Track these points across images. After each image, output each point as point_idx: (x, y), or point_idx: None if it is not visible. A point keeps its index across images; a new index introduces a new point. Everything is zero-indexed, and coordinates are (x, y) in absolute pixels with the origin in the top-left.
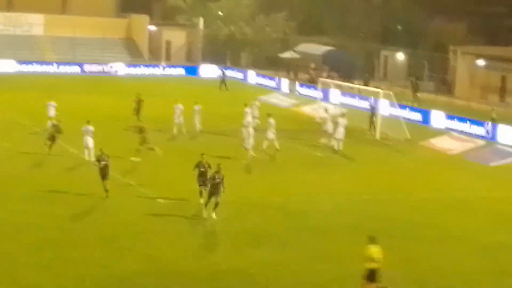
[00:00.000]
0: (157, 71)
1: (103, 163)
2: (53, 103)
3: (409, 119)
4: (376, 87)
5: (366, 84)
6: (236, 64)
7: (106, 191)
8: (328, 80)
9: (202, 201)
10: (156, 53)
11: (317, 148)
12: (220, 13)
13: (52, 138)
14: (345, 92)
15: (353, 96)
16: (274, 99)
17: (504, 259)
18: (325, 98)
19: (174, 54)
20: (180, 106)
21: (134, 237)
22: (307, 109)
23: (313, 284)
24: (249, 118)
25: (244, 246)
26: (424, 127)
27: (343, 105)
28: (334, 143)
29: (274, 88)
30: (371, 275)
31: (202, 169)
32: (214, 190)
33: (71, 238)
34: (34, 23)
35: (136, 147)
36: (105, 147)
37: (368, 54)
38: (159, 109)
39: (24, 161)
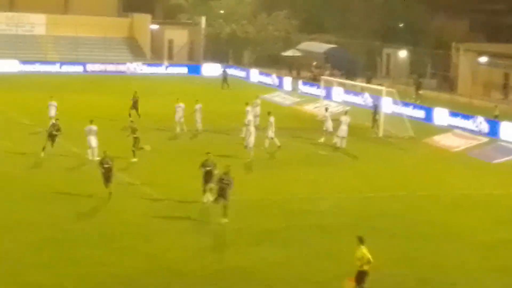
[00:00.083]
0: (160, 70)
1: (107, 166)
2: (54, 102)
3: (412, 116)
4: (379, 85)
5: (368, 82)
6: (238, 63)
7: (109, 193)
8: (331, 78)
9: (205, 200)
10: (158, 52)
11: (320, 146)
12: (221, 11)
13: (52, 138)
14: (348, 90)
15: (356, 94)
16: (277, 97)
17: (506, 256)
18: (328, 96)
19: (176, 53)
20: (182, 105)
21: (136, 237)
22: (309, 108)
23: (316, 282)
24: (250, 117)
25: (246, 245)
26: (427, 124)
27: (346, 103)
28: (336, 140)
29: (276, 86)
30: (361, 277)
31: (207, 169)
32: (222, 193)
33: (73, 238)
34: (36, 23)
35: (131, 148)
36: (107, 147)
37: (371, 52)
38: (161, 108)
39: (26, 160)
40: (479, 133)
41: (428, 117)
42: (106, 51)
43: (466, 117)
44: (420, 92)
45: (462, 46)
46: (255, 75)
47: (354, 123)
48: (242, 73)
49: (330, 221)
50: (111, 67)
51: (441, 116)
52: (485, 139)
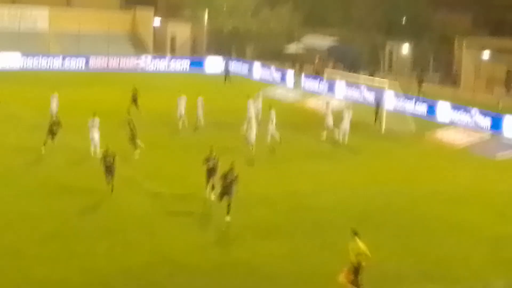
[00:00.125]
0: (162, 64)
1: (109, 160)
2: (56, 95)
3: (414, 111)
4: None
5: (371, 77)
6: (241, 57)
7: (112, 187)
8: (334, 70)
9: (207, 196)
10: (161, 46)
11: (322, 141)
12: (224, 6)
13: (52, 133)
14: (351, 84)
15: (358, 88)
16: (279, 92)
17: (510, 251)
18: (331, 91)
19: (179, 48)
20: (183, 98)
21: (140, 230)
22: (312, 102)
23: (320, 275)
24: (252, 111)
25: (250, 239)
26: (429, 119)
27: (348, 98)
28: (336, 133)
29: (279, 81)
30: (355, 270)
31: (211, 164)
32: (226, 190)
33: (77, 231)
34: (39, 17)
35: (129, 142)
36: (110, 141)
37: (373, 47)
38: (163, 102)
39: (29, 155)
40: (477, 126)
41: (431, 111)
42: (109, 46)
43: (468, 111)
44: (422, 86)
45: (465, 40)
46: (257, 70)
47: (357, 118)
48: (244, 68)
49: (334, 215)
50: (114, 61)
51: (444, 110)
52: (488, 134)
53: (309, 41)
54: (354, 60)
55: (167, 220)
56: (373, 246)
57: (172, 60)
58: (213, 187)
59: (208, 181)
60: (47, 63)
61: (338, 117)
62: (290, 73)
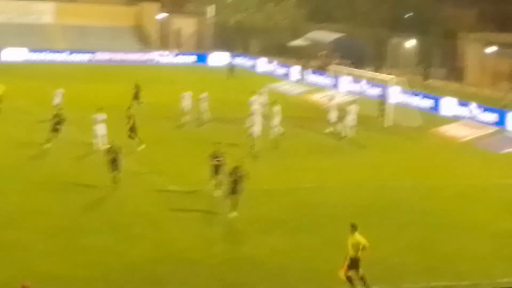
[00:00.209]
0: (168, 58)
1: (114, 154)
2: (60, 90)
3: (420, 106)
4: (387, 74)
5: (376, 72)
6: (246, 52)
7: (117, 181)
8: (339, 66)
9: (215, 192)
10: (166, 41)
11: (327, 136)
12: (229, 0)
13: (55, 130)
14: (356, 79)
15: (364, 83)
16: (284, 86)
17: None
18: (336, 85)
19: (184, 42)
20: (188, 93)
21: (145, 225)
22: (317, 97)
23: (324, 271)
24: (256, 106)
25: (254, 234)
26: (435, 114)
27: (354, 92)
28: (338, 127)
29: (284, 75)
30: (354, 264)
31: (217, 160)
32: (234, 186)
33: (82, 226)
34: (45, 11)
35: (131, 136)
36: (115, 135)
37: (378, 41)
38: (168, 96)
39: (34, 149)
40: (482, 121)
41: (436, 106)
42: (114, 40)
43: (473, 106)
44: (428, 81)
45: (470, 35)
46: (262, 64)
47: (362, 113)
48: (249, 63)
49: (339, 210)
50: (119, 56)
51: (449, 105)
52: (493, 129)
53: (314, 36)
54: (359, 55)
55: (172, 215)
56: (377, 241)
57: (177, 54)
58: (219, 184)
59: (213, 178)
60: (52, 56)
61: (343, 111)
62: (295, 68)
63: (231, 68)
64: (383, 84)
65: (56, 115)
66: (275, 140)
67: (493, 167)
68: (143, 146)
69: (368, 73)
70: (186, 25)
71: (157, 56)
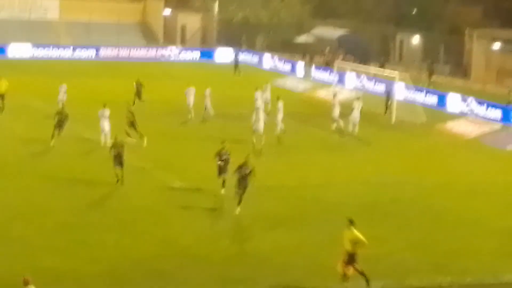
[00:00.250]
0: (180, 55)
1: (118, 150)
2: (64, 86)
3: (425, 102)
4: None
5: (381, 68)
6: (251, 48)
7: (121, 178)
8: (344, 62)
9: (223, 191)
10: (171, 37)
11: (332, 132)
12: None
13: (59, 125)
14: (361, 75)
15: (369, 79)
16: (289, 82)
17: None
18: (341, 81)
19: (189, 38)
20: (192, 89)
21: (150, 221)
22: (322, 93)
23: (329, 267)
24: (259, 102)
25: (260, 230)
26: (440, 110)
27: (359, 88)
28: (341, 124)
29: (289, 72)
30: (351, 258)
31: (223, 158)
32: (241, 182)
33: (87, 222)
34: (50, 8)
35: (130, 132)
36: (119, 131)
37: (384, 38)
38: (172, 92)
39: (39, 145)
40: (487, 117)
41: (441, 103)
42: (119, 36)
43: (479, 103)
44: (432, 77)
45: (476, 32)
46: (267, 60)
47: (367, 109)
48: (254, 59)
49: (343, 206)
50: (124, 52)
51: (454, 102)
52: (498, 126)
53: (319, 31)
54: (364, 51)
55: (176, 211)
56: (382, 238)
57: (182, 50)
58: (224, 183)
59: (219, 176)
60: (57, 53)
61: (348, 108)
62: (300, 64)
63: (236, 64)
64: (388, 80)
65: (59, 112)
66: (278, 137)
67: (499, 163)
68: (145, 141)
69: (373, 69)
70: (191, 21)
71: (168, 52)
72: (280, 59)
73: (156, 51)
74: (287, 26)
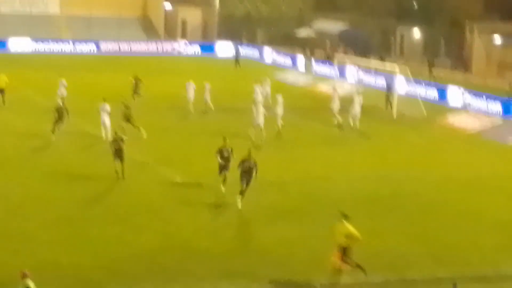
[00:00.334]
0: (173, 48)
1: (118, 145)
2: (63, 81)
3: (426, 96)
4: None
5: (382, 62)
6: (252, 42)
7: (122, 172)
8: (345, 55)
9: (223, 188)
10: (172, 31)
11: (332, 126)
12: None
13: (59, 120)
14: (361, 69)
15: (370, 73)
16: (290, 76)
17: None
18: (342, 75)
19: (190, 32)
20: (192, 84)
21: (151, 214)
22: (323, 87)
23: (330, 259)
24: (259, 96)
25: (260, 223)
26: (440, 104)
27: (359, 82)
28: (340, 118)
29: (290, 66)
30: (344, 253)
31: (225, 155)
32: (244, 177)
33: (88, 216)
34: (50, 2)
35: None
36: (117, 127)
37: (384, 31)
38: (173, 87)
39: (40, 139)
40: (488, 111)
41: (442, 96)
42: (120, 30)
43: (479, 96)
44: (434, 71)
45: (477, 25)
46: (268, 54)
47: (368, 103)
48: (255, 53)
49: (344, 200)
50: (125, 46)
51: (455, 96)
52: (499, 119)
53: (319, 25)
54: (365, 44)
55: (178, 205)
56: (383, 231)
57: (183, 44)
58: (224, 180)
59: (220, 173)
60: (58, 47)
61: (348, 101)
62: (300, 58)
63: (236, 58)
64: (388, 74)
65: (58, 107)
66: (278, 131)
67: (500, 157)
68: (144, 133)
69: (374, 63)
70: (192, 15)
71: (176, 47)
72: (281, 53)
73: (157, 45)
74: (288, 20)
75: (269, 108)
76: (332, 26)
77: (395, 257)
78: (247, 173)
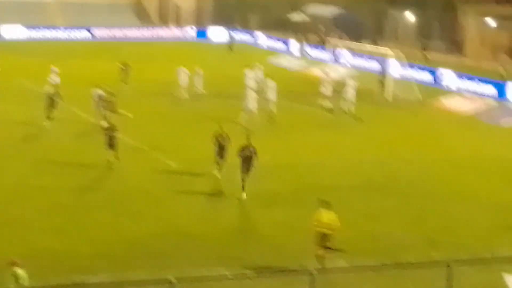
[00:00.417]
0: (166, 33)
1: (111, 132)
2: (55, 68)
3: (419, 79)
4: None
5: (375, 45)
6: (245, 27)
7: (114, 160)
8: (338, 40)
9: (216, 172)
10: (165, 17)
11: (327, 110)
12: None
13: (51, 107)
14: (354, 52)
15: (362, 56)
16: (284, 61)
17: None
18: (335, 59)
19: (183, 17)
20: (184, 69)
21: (146, 200)
22: (316, 71)
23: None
24: (250, 81)
25: (255, 208)
26: (434, 87)
27: (353, 66)
28: (329, 103)
29: (283, 50)
30: (321, 240)
31: (221, 141)
32: (244, 165)
33: (83, 203)
34: None
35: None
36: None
37: (378, 15)
38: (165, 72)
39: (33, 127)
40: (482, 93)
41: (436, 79)
42: (113, 16)
43: (473, 78)
44: (427, 54)
45: (470, 8)
46: (262, 39)
47: (362, 87)
48: (249, 37)
49: (338, 184)
50: (118, 32)
51: (449, 78)
52: (493, 101)
53: (313, 10)
54: (358, 28)
55: (172, 191)
56: (378, 214)
57: (176, 29)
58: (220, 167)
59: (217, 159)
60: (51, 34)
61: (342, 86)
62: (294, 42)
63: (230, 43)
64: (381, 58)
65: (50, 94)
66: (270, 116)
67: (494, 139)
68: (130, 114)
69: (367, 46)
70: (185, 0)
71: (183, 33)
72: (274, 38)
73: (151, 30)
74: (281, 5)
75: (262, 92)
76: (325, 10)
77: (390, 240)
78: (246, 162)
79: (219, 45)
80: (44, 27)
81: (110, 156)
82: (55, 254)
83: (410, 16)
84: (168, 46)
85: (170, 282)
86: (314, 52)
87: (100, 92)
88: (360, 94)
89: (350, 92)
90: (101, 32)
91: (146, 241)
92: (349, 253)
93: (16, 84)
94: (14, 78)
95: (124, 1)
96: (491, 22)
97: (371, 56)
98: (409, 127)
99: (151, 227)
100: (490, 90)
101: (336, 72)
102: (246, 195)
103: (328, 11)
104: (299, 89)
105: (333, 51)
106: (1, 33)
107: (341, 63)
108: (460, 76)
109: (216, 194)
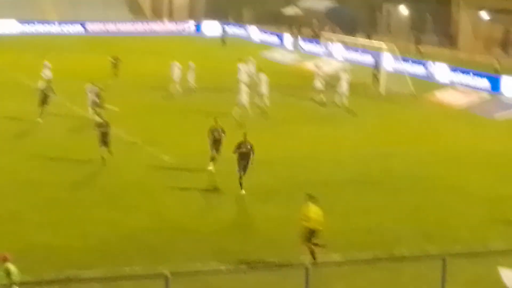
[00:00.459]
0: (159, 28)
1: (103, 128)
2: (48, 63)
3: (413, 72)
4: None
5: (368, 39)
6: (239, 21)
7: (108, 155)
8: (331, 34)
9: (210, 167)
10: (158, 11)
11: (320, 104)
12: None
13: (44, 102)
14: (348, 46)
15: (356, 50)
16: (277, 55)
17: (509, 211)
18: (328, 53)
19: (176, 11)
20: (177, 64)
21: (140, 195)
22: (310, 65)
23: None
24: (243, 75)
25: (249, 202)
26: (428, 81)
27: (346, 60)
28: (322, 96)
29: (277, 44)
30: (308, 235)
31: (216, 136)
32: (242, 162)
33: (77, 197)
34: None
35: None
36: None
37: (371, 8)
38: (158, 66)
39: (26, 122)
40: (475, 86)
41: (429, 73)
42: (106, 10)
43: (466, 72)
44: (421, 47)
45: (463, 1)
46: (255, 33)
47: (355, 80)
48: (242, 31)
49: (333, 178)
50: (111, 27)
51: (442, 72)
52: (487, 95)
53: (306, 3)
54: (351, 22)
55: (166, 185)
56: (372, 208)
57: (170, 23)
58: (214, 160)
59: (211, 153)
60: (44, 28)
61: (334, 79)
62: (287, 36)
63: (223, 37)
64: (375, 51)
65: (43, 88)
66: (263, 109)
67: (488, 132)
68: (115, 108)
69: (360, 40)
70: None
71: (185, 27)
72: (267, 32)
73: (144, 25)
74: None
75: (255, 86)
76: (319, 4)
77: (384, 233)
78: (243, 158)
79: (212, 39)
80: (38, 22)
81: (104, 153)
82: (49, 249)
83: (403, 10)
84: (161, 40)
85: (165, 277)
86: (308, 46)
87: (93, 87)
88: (354, 87)
89: (343, 86)
90: (94, 27)
91: (141, 236)
92: (343, 247)
93: (9, 79)
94: (7, 73)
95: None
96: (484, 15)
97: (364, 49)
98: (402, 121)
99: (145, 222)
100: (484, 83)
101: (329, 66)
102: (232, 186)
103: (321, 4)
104: (293, 83)
105: (327, 45)
106: None
107: (335, 57)
108: (453, 69)
109: (211, 188)
